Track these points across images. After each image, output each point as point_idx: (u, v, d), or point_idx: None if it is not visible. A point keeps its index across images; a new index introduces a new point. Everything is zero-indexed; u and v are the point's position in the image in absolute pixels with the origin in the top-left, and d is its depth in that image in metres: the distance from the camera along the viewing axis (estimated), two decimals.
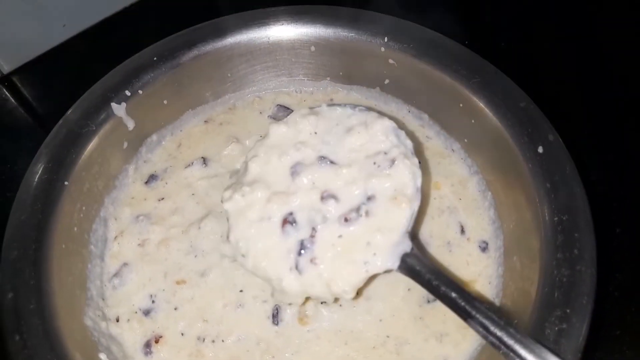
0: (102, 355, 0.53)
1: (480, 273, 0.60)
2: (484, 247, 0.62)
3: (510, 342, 0.43)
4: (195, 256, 0.62)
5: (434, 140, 0.70)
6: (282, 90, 0.75)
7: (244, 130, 0.72)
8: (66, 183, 0.59)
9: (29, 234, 0.55)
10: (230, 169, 0.68)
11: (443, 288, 0.48)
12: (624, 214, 0.71)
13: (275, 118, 0.72)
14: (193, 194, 0.67)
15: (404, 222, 0.51)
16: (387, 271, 0.51)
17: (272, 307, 0.58)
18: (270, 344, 0.57)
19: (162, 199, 0.67)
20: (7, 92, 0.91)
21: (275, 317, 0.58)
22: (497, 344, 0.44)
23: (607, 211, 0.70)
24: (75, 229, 0.60)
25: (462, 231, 0.63)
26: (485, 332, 0.45)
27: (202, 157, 0.70)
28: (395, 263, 0.51)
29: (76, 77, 0.69)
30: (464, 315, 0.46)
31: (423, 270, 0.50)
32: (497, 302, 0.57)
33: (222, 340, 0.57)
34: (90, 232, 0.62)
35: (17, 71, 0.92)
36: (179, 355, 0.56)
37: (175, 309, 0.59)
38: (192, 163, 0.69)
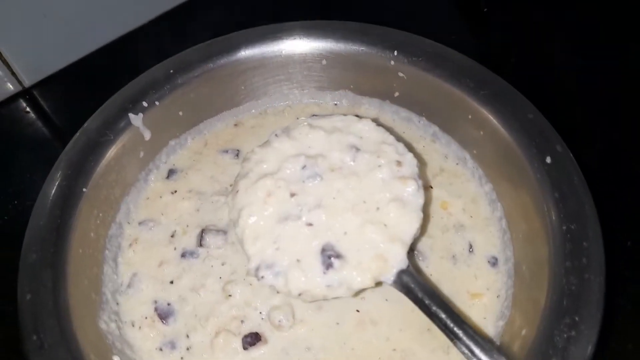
0: (116, 358, 0.54)
1: (489, 287, 0.60)
2: (493, 263, 0.62)
3: None
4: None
5: (450, 161, 0.70)
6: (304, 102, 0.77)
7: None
8: (84, 190, 0.61)
9: (48, 237, 0.56)
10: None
11: (434, 308, 0.51)
12: (634, 227, 0.71)
13: None
14: (212, 177, 0.70)
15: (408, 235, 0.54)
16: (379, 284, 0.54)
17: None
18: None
19: (175, 191, 0.69)
20: (27, 106, 0.94)
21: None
22: None
23: (617, 224, 0.71)
24: (92, 234, 0.61)
25: (471, 249, 0.63)
26: (470, 354, 0.47)
27: (237, 149, 0.72)
28: (390, 278, 0.53)
29: (95, 91, 0.71)
30: (452, 336, 0.49)
31: (417, 288, 0.52)
32: (506, 313, 0.57)
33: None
34: (106, 237, 0.64)
35: (38, 85, 0.95)
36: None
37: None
38: (227, 151, 0.72)
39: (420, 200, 0.55)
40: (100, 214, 0.63)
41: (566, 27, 0.95)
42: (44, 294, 0.53)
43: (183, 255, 0.64)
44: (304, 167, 0.58)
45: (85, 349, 0.51)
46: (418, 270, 0.59)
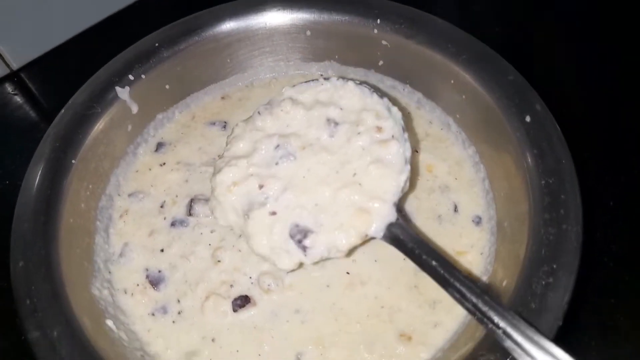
0: (109, 322, 0.56)
1: (473, 245, 0.62)
2: (477, 222, 0.63)
3: (484, 308, 0.46)
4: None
5: (434, 126, 0.71)
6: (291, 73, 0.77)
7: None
8: (73, 162, 0.62)
9: (39, 207, 0.57)
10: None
11: (424, 256, 0.51)
12: (616, 188, 0.73)
13: None
14: (200, 148, 0.70)
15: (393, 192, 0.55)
16: (371, 239, 0.55)
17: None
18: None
19: (164, 163, 0.70)
20: (15, 88, 0.94)
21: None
22: (473, 310, 0.46)
23: (600, 186, 0.72)
24: (83, 205, 0.62)
25: (455, 209, 0.64)
26: (462, 298, 0.47)
27: (224, 121, 0.73)
28: (380, 232, 0.54)
29: (83, 73, 0.71)
30: (443, 282, 0.49)
31: (407, 239, 0.53)
32: (489, 269, 0.59)
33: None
34: (97, 209, 0.65)
35: (25, 67, 0.95)
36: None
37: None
38: (215, 123, 0.73)
39: (407, 154, 0.56)
40: (90, 186, 0.64)
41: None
42: (37, 261, 0.54)
43: (173, 224, 0.65)
44: (277, 147, 0.59)
45: (78, 313, 0.52)
46: (408, 222, 0.59)
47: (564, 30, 0.93)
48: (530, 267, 0.50)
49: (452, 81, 0.66)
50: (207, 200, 0.66)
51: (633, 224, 0.69)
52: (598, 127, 0.79)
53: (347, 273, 0.60)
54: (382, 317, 0.57)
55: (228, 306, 0.59)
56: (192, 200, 0.66)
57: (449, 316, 0.57)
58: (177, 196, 0.67)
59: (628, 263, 0.67)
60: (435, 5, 0.77)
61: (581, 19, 0.93)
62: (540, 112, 0.58)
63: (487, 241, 0.61)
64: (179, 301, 0.60)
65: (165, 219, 0.66)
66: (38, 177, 0.60)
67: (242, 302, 0.59)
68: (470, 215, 0.63)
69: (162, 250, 0.63)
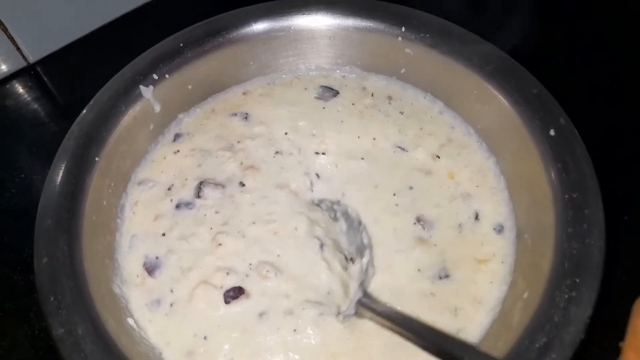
0: (130, 320, 0.56)
1: (495, 253, 0.62)
2: (499, 230, 0.63)
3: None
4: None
5: (457, 131, 0.71)
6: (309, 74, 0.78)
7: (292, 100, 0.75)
8: (97, 159, 0.62)
9: (63, 203, 0.57)
10: (277, 133, 0.70)
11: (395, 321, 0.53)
12: (631, 203, 0.74)
13: (322, 98, 0.75)
14: (218, 135, 0.71)
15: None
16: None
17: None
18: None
19: (178, 151, 0.70)
20: (31, 82, 0.94)
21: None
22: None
23: (615, 199, 0.73)
24: (104, 202, 0.62)
25: (477, 217, 0.64)
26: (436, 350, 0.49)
27: (246, 113, 0.73)
28: (351, 310, 0.57)
29: (99, 68, 0.72)
30: (415, 340, 0.51)
31: (378, 308, 0.55)
32: (509, 278, 0.59)
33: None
34: (117, 206, 0.65)
35: (42, 61, 0.95)
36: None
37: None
38: (236, 114, 0.73)
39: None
40: (112, 184, 0.64)
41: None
42: (61, 257, 0.54)
43: (178, 206, 0.65)
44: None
45: (101, 311, 0.52)
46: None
47: (589, 45, 0.93)
48: (553, 280, 0.50)
49: (475, 92, 0.66)
50: (217, 184, 0.66)
51: None
52: (615, 141, 0.79)
53: None
54: None
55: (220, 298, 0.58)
56: (201, 183, 0.66)
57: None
58: (186, 179, 0.67)
59: None
60: (452, 13, 0.77)
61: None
62: (564, 126, 0.59)
63: (508, 250, 0.61)
64: (172, 291, 0.59)
65: (171, 201, 0.66)
66: (61, 173, 0.60)
67: (235, 293, 0.58)
68: (492, 223, 0.64)
69: (163, 235, 0.63)
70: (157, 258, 0.62)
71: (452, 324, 0.57)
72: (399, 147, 0.70)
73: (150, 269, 0.61)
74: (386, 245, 0.62)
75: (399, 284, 0.60)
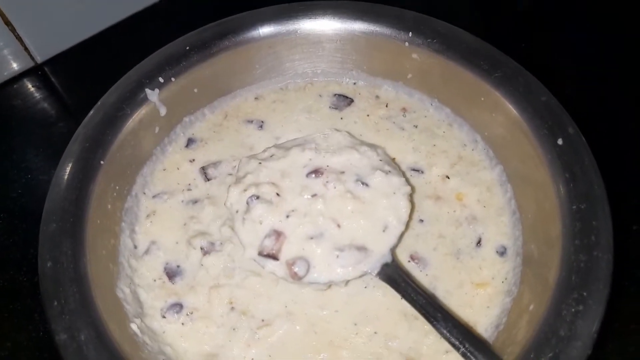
0: (134, 326, 0.56)
1: (494, 276, 0.61)
2: (502, 252, 0.62)
3: (470, 348, 0.49)
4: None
5: (468, 148, 0.70)
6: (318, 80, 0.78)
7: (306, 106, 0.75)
8: (102, 162, 0.62)
9: (67, 208, 0.57)
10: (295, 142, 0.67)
11: (413, 295, 0.55)
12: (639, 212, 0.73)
13: (337, 108, 0.75)
14: (233, 142, 0.72)
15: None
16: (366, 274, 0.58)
17: None
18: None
19: (193, 160, 0.71)
20: (39, 82, 0.94)
21: None
22: (458, 346, 0.50)
23: (624, 209, 0.72)
24: (109, 206, 0.62)
25: (479, 242, 0.63)
26: (449, 335, 0.51)
27: (261, 121, 0.73)
28: (375, 270, 0.57)
29: (106, 69, 0.72)
30: (430, 319, 0.52)
31: (399, 279, 0.57)
32: (514, 290, 0.58)
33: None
34: (122, 210, 0.65)
35: (49, 62, 0.95)
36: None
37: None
38: (252, 121, 0.73)
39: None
40: (117, 187, 0.64)
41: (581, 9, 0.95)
42: (65, 262, 0.54)
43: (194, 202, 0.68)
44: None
45: (104, 316, 0.52)
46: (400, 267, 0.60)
47: (600, 54, 0.92)
48: (560, 293, 0.50)
49: (483, 98, 0.66)
50: (215, 164, 0.69)
51: None
52: (624, 151, 0.78)
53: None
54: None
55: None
56: (202, 168, 0.69)
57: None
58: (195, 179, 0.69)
59: None
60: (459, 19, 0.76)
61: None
62: (572, 136, 0.58)
63: (511, 267, 0.60)
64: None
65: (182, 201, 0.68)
66: (66, 177, 0.60)
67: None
68: (495, 245, 0.63)
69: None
70: (178, 266, 0.63)
71: (442, 347, 0.56)
72: (414, 170, 0.69)
73: (172, 274, 0.62)
74: None
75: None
